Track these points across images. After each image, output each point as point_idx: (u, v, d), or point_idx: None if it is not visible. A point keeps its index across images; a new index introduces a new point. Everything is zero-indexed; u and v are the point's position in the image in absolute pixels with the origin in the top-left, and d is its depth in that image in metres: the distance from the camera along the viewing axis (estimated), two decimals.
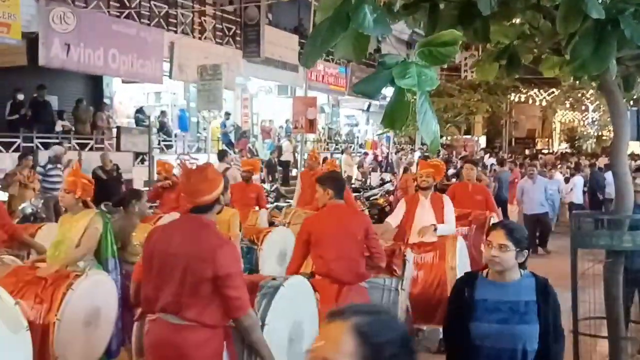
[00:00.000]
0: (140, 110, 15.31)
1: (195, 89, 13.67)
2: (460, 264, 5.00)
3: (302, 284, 3.40)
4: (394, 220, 5.69)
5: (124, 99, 16.82)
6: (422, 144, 22.60)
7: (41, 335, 3.47)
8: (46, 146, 11.47)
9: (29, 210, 9.20)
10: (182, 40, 14.88)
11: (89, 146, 12.87)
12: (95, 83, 14.57)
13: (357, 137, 25.87)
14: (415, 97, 2.18)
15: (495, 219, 6.08)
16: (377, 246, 4.05)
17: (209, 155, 13.49)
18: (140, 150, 13.14)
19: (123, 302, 4.04)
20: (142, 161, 13.26)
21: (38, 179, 9.52)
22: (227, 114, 17.71)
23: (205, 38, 16.15)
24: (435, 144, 2.14)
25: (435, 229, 5.23)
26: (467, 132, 31.39)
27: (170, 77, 14.83)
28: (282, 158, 17.29)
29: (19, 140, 11.39)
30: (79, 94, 14.11)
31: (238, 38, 17.20)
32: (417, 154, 20.18)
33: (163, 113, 16.22)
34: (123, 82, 15.02)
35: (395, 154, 22.61)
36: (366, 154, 21.71)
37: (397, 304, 4.31)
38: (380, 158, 21.98)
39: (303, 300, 3.32)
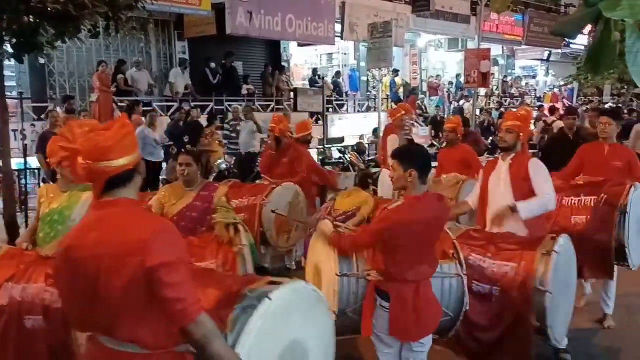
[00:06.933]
0: (314, 72, 16.03)
1: (365, 48, 13.83)
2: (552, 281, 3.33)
3: (304, 292, 2.42)
4: (473, 198, 4.25)
5: (299, 62, 17.72)
6: (613, 95, 20.28)
7: None
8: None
9: (223, 166, 10.33)
10: (353, 0, 15.07)
11: (270, 107, 13.92)
12: (274, 48, 15.56)
13: (535, 90, 24.07)
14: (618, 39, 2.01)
15: None
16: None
17: (380, 114, 13.69)
18: (315, 110, 13.79)
19: None
20: (317, 121, 13.91)
21: (221, 139, 10.61)
22: (396, 71, 17.68)
23: None
24: None
25: (515, 210, 3.75)
26: None
27: (341, 37, 15.19)
28: None
29: (211, 104, 12.70)
30: (261, 59, 15.24)
31: None
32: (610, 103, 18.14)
33: (338, 74, 16.78)
34: (299, 45, 15.78)
35: (581, 105, 20.62)
36: (541, 107, 20.13)
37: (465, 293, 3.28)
38: (562, 112, 20.26)
39: (306, 312, 2.40)
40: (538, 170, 3.87)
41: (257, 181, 6.61)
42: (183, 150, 5.31)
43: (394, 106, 17.35)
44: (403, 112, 6.70)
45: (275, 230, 5.44)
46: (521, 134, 4.03)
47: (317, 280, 3.43)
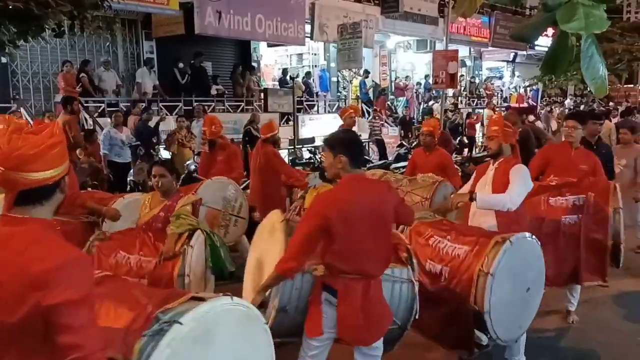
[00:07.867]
0: (284, 72, 16.03)
1: (335, 48, 13.89)
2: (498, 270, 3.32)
3: (227, 310, 2.12)
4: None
5: (269, 62, 17.67)
6: (576, 95, 20.84)
7: None
8: (203, 109, 12.54)
9: (192, 167, 10.21)
10: (322, 1, 15.12)
11: (240, 108, 13.85)
12: (243, 48, 15.48)
13: (502, 91, 24.56)
14: (579, 42, 2.08)
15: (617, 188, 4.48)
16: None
17: None
18: (286, 110, 13.75)
19: None
20: (287, 121, 13.90)
21: (194, 139, 10.46)
22: (367, 72, 17.81)
23: None
24: (602, 89, 2.04)
25: (473, 199, 3.75)
26: (629, 81, 28.11)
27: (311, 38, 15.21)
28: None
29: (180, 104, 12.56)
30: (230, 59, 15.15)
31: None
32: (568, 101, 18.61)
33: (308, 74, 16.80)
34: (268, 45, 15.73)
35: (546, 106, 21.14)
36: (509, 107, 20.56)
37: (415, 299, 3.26)
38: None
39: (232, 332, 2.13)
40: (516, 174, 3.80)
41: None
42: (156, 160, 5.24)
43: (365, 106, 17.60)
44: (351, 111, 7.10)
45: (207, 224, 5.40)
46: (502, 139, 3.99)
47: (258, 275, 3.28)
